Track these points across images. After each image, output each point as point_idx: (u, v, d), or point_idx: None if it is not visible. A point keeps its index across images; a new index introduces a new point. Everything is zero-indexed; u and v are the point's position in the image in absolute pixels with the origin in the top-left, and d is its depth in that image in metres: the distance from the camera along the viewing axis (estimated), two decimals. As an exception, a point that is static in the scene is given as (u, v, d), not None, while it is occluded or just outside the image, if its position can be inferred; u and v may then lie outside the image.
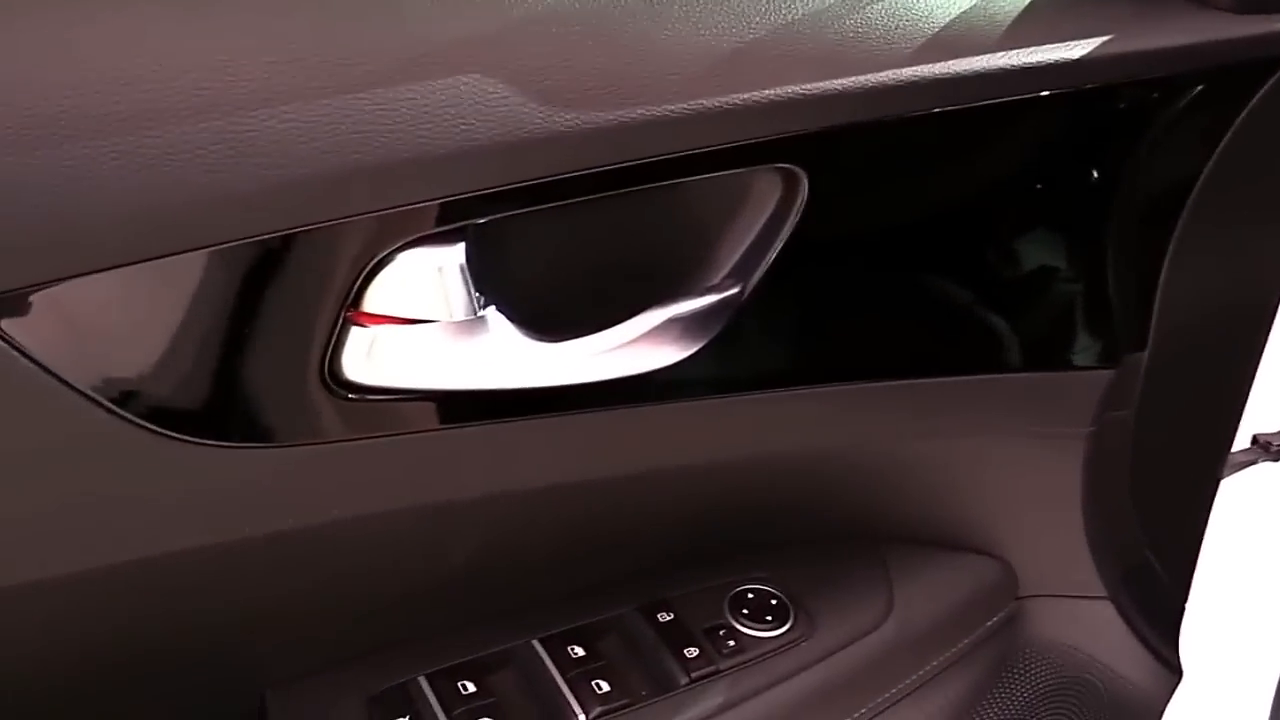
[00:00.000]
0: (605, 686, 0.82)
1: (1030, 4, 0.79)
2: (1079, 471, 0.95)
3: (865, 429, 0.88)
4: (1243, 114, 0.84)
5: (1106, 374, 0.90)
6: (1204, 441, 1.00)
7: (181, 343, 0.62)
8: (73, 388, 0.59)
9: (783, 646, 0.88)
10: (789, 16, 0.72)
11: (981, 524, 0.98)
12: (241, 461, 0.65)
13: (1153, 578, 1.03)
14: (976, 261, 0.85)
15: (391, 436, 0.69)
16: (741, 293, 0.75)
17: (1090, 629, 1.03)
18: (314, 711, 0.79)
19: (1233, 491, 1.12)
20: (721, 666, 0.85)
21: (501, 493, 0.76)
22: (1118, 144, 0.83)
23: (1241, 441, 1.12)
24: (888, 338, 0.85)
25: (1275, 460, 1.09)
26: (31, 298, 0.57)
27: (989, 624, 0.99)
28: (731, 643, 0.87)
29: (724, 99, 0.68)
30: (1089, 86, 0.79)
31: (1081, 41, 0.77)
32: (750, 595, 0.91)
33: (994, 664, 0.99)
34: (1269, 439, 1.07)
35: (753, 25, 0.71)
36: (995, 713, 0.99)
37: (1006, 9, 0.78)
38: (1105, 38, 0.78)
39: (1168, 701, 1.06)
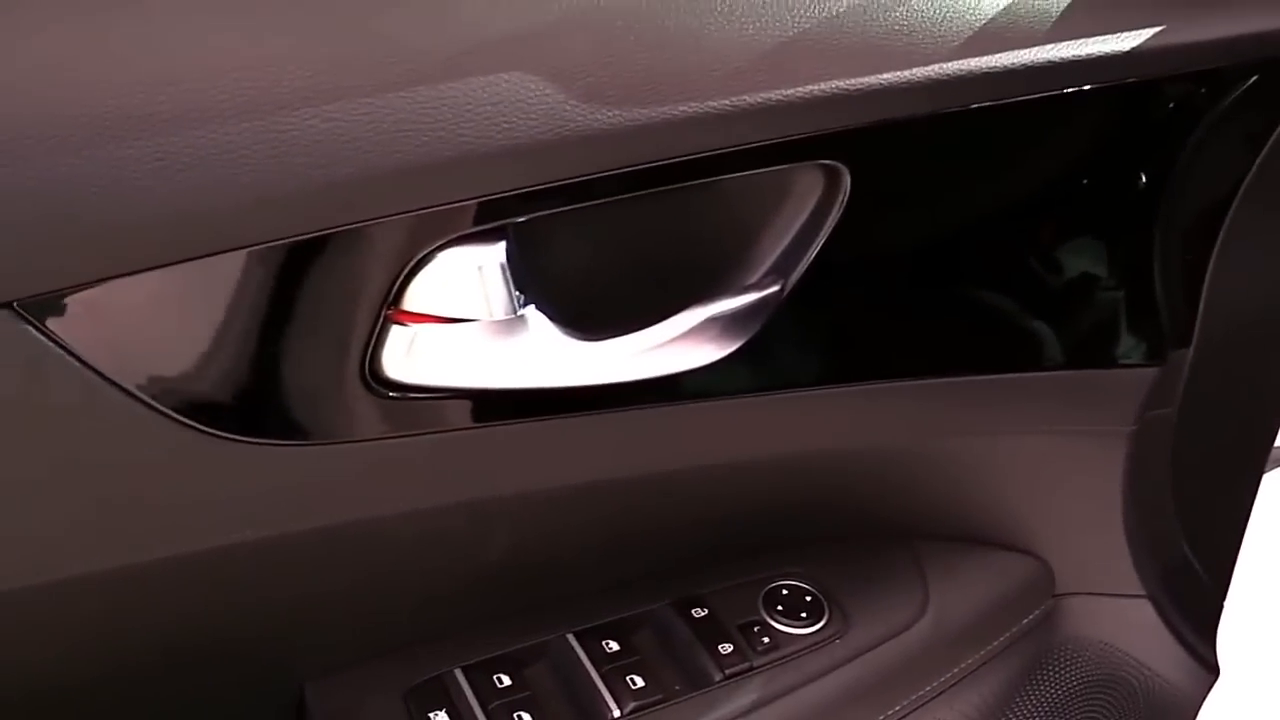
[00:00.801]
0: (639, 681, 0.82)
1: None
2: (1120, 469, 0.93)
3: (904, 427, 0.87)
4: None
5: (1151, 372, 0.89)
6: (1246, 438, 0.98)
7: (225, 341, 0.62)
8: (119, 386, 0.59)
9: (817, 644, 0.87)
10: (833, 10, 0.71)
11: (1018, 521, 0.97)
12: (283, 459, 0.65)
13: (1192, 576, 1.02)
14: (1019, 258, 0.84)
15: (431, 434, 0.69)
16: (782, 291, 0.75)
17: (1127, 627, 1.02)
18: (352, 704, 0.79)
19: (1274, 487, 1.10)
20: (756, 663, 0.85)
21: (539, 489, 0.76)
22: (1167, 138, 0.82)
23: None
24: (928, 335, 0.84)
25: None
26: (78, 297, 0.57)
27: (1025, 622, 0.98)
28: (766, 639, 0.87)
29: (766, 95, 0.67)
30: (1140, 79, 0.78)
31: (1133, 33, 0.76)
32: (785, 592, 0.90)
33: (1029, 662, 0.98)
34: None
35: (796, 19, 0.70)
36: (1030, 710, 0.98)
37: (1050, 1, 0.77)
38: (1158, 28, 0.77)
39: (1203, 700, 1.05)
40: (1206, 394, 0.92)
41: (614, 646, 0.84)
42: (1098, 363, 0.88)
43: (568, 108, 0.63)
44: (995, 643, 0.96)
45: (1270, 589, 1.09)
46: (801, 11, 0.70)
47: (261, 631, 0.75)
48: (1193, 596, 1.03)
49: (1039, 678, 1.00)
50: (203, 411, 0.62)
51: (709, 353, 0.74)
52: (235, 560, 0.68)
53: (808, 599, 0.90)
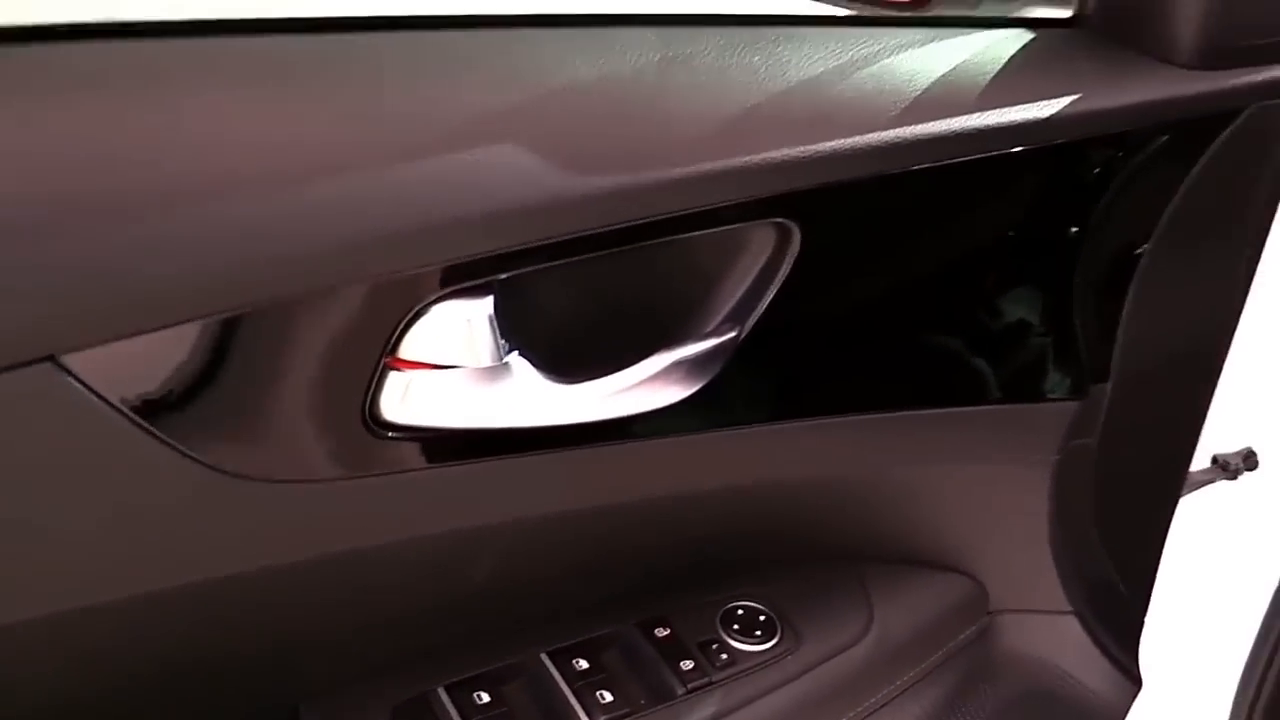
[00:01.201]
0: (608, 696, 0.89)
1: (1004, 67, 0.86)
2: (1046, 494, 1.02)
3: (851, 458, 0.95)
4: (1200, 163, 0.91)
5: (1073, 405, 0.97)
6: (1163, 464, 1.06)
7: (242, 389, 0.68)
8: (149, 431, 0.65)
9: (770, 659, 0.94)
10: (783, 83, 0.79)
11: (956, 544, 1.05)
12: (293, 495, 0.71)
13: (1115, 593, 1.10)
14: (954, 304, 0.92)
15: (424, 470, 0.75)
16: (738, 336, 0.82)
17: (1056, 642, 1.09)
18: None
19: (1193, 508, 1.17)
20: (715, 678, 0.92)
21: (521, 519, 0.82)
22: (1086, 194, 0.90)
23: (1202, 461, 1.17)
24: (872, 374, 0.92)
25: (1232, 479, 1.15)
26: (112, 349, 0.63)
27: (961, 638, 1.06)
28: (724, 656, 0.93)
29: (724, 162, 0.75)
30: (1059, 142, 0.86)
31: (1051, 101, 0.84)
32: (740, 612, 0.97)
33: (966, 676, 1.06)
34: (1227, 459, 1.13)
35: (749, 93, 0.78)
36: None
37: (983, 71, 0.85)
38: (1074, 96, 0.85)
39: (1128, 710, 1.13)
40: (1124, 424, 1.00)
41: (584, 664, 0.91)
42: (1026, 398, 0.96)
43: (549, 175, 0.70)
44: (934, 657, 1.03)
45: (1187, 604, 1.16)
46: (754, 86, 0.78)
47: (263, 654, 0.81)
48: (1116, 612, 1.11)
49: (976, 690, 1.07)
50: (222, 454, 0.68)
51: (673, 393, 0.81)
52: (245, 588, 0.74)
53: (762, 618, 0.97)
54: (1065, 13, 0.92)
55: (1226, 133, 0.89)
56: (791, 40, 0.82)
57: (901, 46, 0.85)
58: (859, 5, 0.94)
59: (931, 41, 0.86)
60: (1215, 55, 0.86)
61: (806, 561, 1.02)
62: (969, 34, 0.88)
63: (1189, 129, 0.89)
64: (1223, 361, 1.03)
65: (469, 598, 0.88)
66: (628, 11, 0.80)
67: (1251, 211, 0.95)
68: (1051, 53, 0.88)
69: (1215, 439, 1.14)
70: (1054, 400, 0.97)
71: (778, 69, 0.79)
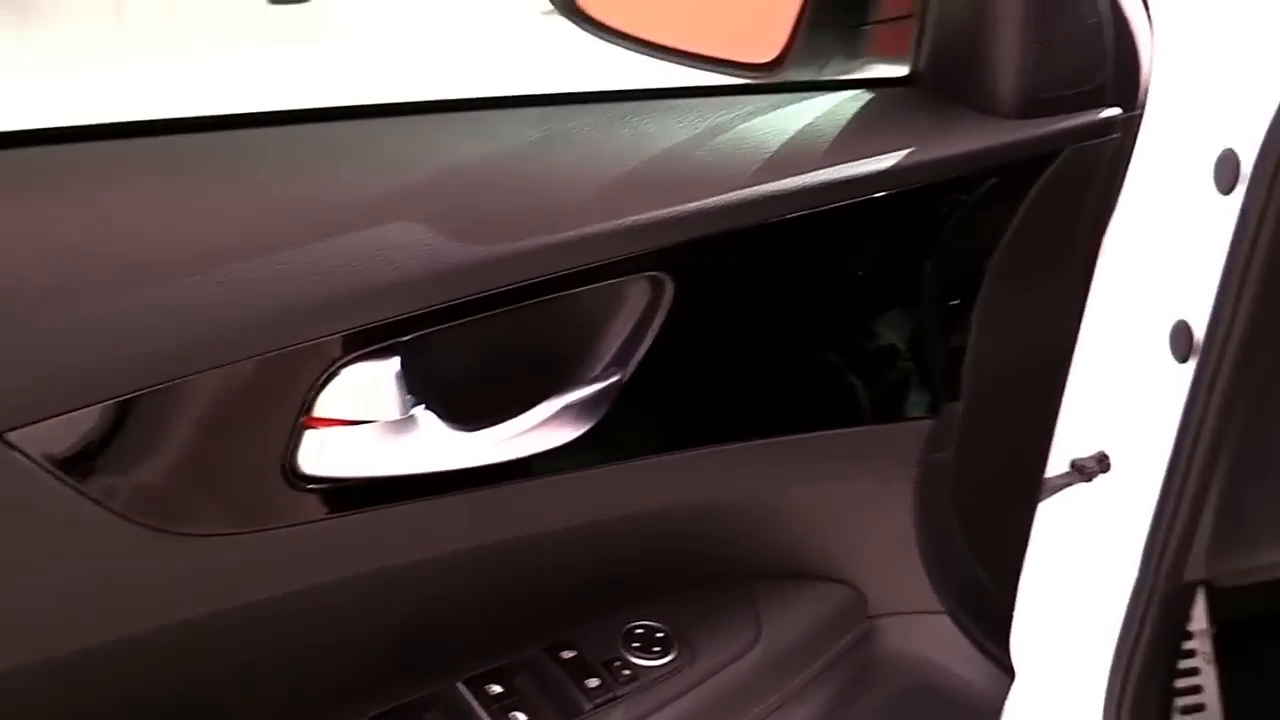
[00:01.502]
0: (521, 717, 0.96)
1: (847, 125, 0.96)
2: (911, 506, 1.11)
3: (734, 483, 1.04)
4: (1027, 199, 1.02)
5: (929, 423, 1.07)
6: (1018, 472, 1.17)
7: (172, 453, 0.75)
8: (89, 497, 0.72)
9: (669, 673, 1.03)
10: (650, 151, 0.89)
11: (835, 557, 1.14)
12: (219, 548, 0.78)
13: (983, 592, 1.20)
14: (818, 337, 1.02)
15: (342, 517, 0.83)
16: (622, 379, 0.91)
17: (932, 640, 1.19)
18: None
19: (1056, 509, 1.26)
20: (618, 693, 1.00)
21: (434, 557, 0.90)
22: (928, 234, 1.01)
23: (1063, 465, 1.26)
24: (749, 405, 1.01)
25: (1088, 481, 1.24)
26: (54, 423, 0.70)
27: (845, 642, 1.15)
28: (626, 672, 1.02)
29: (600, 225, 0.84)
30: (900, 189, 0.96)
31: (890, 153, 0.95)
32: (640, 631, 1.06)
33: (853, 676, 1.15)
34: (1084, 463, 1.22)
35: (621, 161, 0.87)
36: (857, 719, 1.14)
37: (829, 130, 0.95)
38: (910, 148, 0.95)
39: (1004, 699, 1.22)
40: (978, 438, 1.10)
41: (498, 689, 0.98)
42: (887, 419, 1.07)
43: (445, 245, 0.79)
44: (821, 661, 1.13)
45: (1052, 600, 1.25)
46: (625, 156, 0.88)
47: (193, 699, 0.87)
48: (986, 610, 1.20)
49: (863, 689, 1.16)
50: (154, 512, 0.75)
51: (565, 434, 0.90)
52: (179, 637, 0.80)
53: (660, 636, 1.05)
54: (901, 72, 1.03)
55: (1048, 173, 1.00)
56: (656, 112, 0.92)
57: (755, 111, 0.95)
58: (717, 70, 1.03)
59: (782, 105, 0.96)
60: (1031, 105, 0.98)
61: (701, 581, 1.10)
62: (815, 96, 0.98)
63: (1014, 171, 1.00)
64: (1065, 376, 1.14)
65: (388, 635, 0.95)
66: (508, 94, 0.89)
67: (1078, 240, 1.06)
68: (889, 110, 0.99)
69: (1072, 445, 1.23)
70: (912, 419, 1.07)
71: (645, 139, 0.89)
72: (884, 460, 1.09)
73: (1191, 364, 1.02)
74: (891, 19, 1.06)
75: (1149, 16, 1.04)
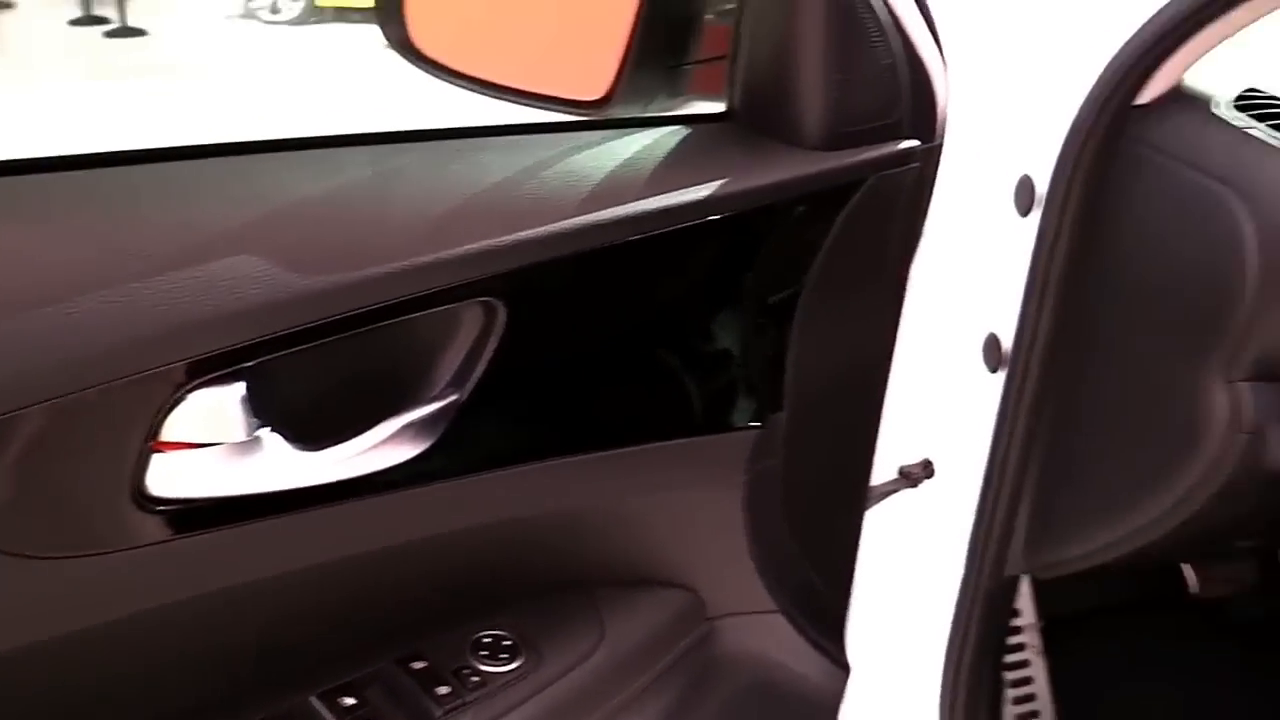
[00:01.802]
0: None
1: (667, 158, 1.03)
2: (742, 511, 1.19)
3: (573, 494, 1.10)
4: (836, 224, 1.10)
5: (753, 433, 1.15)
6: (844, 477, 1.24)
7: (21, 477, 0.78)
8: None
9: (516, 679, 1.09)
10: (482, 185, 0.95)
11: (674, 562, 1.21)
12: (72, 570, 0.82)
13: (816, 592, 1.27)
14: (648, 355, 1.09)
15: (192, 537, 0.87)
16: (460, 398, 0.97)
17: (769, 639, 1.26)
18: None
19: (888, 513, 1.33)
20: (468, 699, 1.06)
21: (282, 573, 0.94)
22: (746, 258, 1.09)
23: (891, 473, 1.33)
24: (586, 421, 1.08)
25: (915, 487, 1.32)
26: None
27: (684, 644, 1.22)
28: (475, 679, 1.07)
29: (433, 255, 0.90)
30: (717, 217, 1.04)
31: (707, 184, 1.02)
32: (488, 640, 1.11)
33: (694, 676, 1.22)
34: (910, 470, 1.30)
35: (454, 195, 0.93)
36: (703, 716, 1.20)
37: (650, 163, 1.02)
38: (725, 179, 1.03)
39: (841, 693, 1.29)
40: (803, 446, 1.18)
41: (350, 701, 1.03)
42: (715, 429, 1.14)
43: (284, 277, 0.84)
44: (663, 662, 1.19)
45: (886, 598, 1.32)
46: (458, 190, 0.94)
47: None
48: (819, 609, 1.28)
49: (706, 688, 1.22)
50: (6, 537, 0.78)
51: (405, 452, 0.95)
52: (28, 658, 0.83)
53: (507, 643, 1.11)
54: (718, 109, 1.11)
55: (854, 200, 1.09)
56: (489, 147, 0.98)
57: (583, 146, 1.02)
58: (549, 107, 1.10)
59: (608, 140, 1.04)
60: (835, 138, 1.06)
61: (547, 589, 1.16)
62: (639, 132, 1.06)
63: (823, 198, 1.09)
64: (884, 388, 1.21)
65: (242, 651, 0.98)
66: (345, 133, 0.94)
67: (887, 261, 1.15)
68: (706, 144, 1.07)
69: (900, 453, 1.29)
70: (739, 429, 1.14)
71: (477, 173, 0.95)
72: (715, 469, 1.16)
73: (1002, 374, 1.09)
74: (709, 59, 1.14)
75: (942, 57, 1.13)
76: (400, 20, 1.09)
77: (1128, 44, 0.98)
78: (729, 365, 1.13)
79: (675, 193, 1.01)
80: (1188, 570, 1.35)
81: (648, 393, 1.10)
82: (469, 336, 0.97)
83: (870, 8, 1.05)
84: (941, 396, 1.19)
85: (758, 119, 1.09)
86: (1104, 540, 1.11)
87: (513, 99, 1.10)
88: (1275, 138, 0.99)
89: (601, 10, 1.10)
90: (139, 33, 8.50)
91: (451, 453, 0.98)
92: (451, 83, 1.10)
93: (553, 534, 1.13)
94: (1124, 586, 1.52)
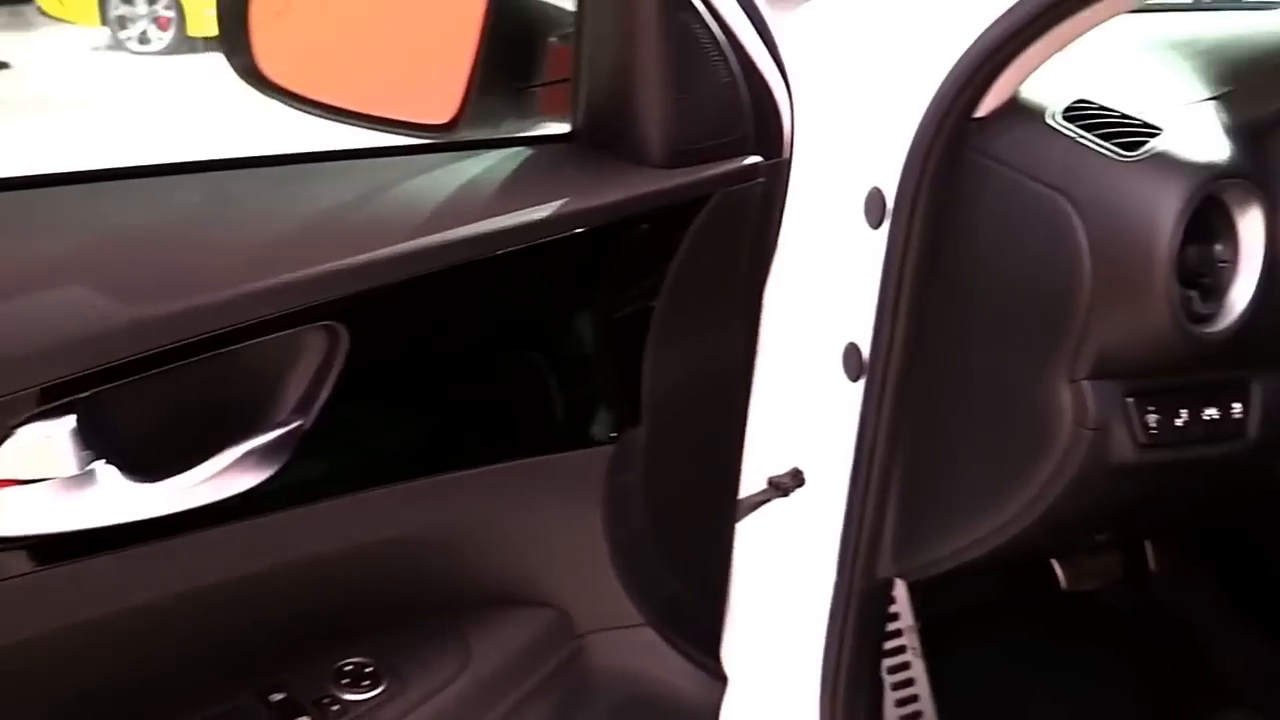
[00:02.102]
0: None
1: (513, 179, 1.04)
2: (603, 527, 1.19)
3: (431, 516, 1.10)
4: (685, 239, 1.12)
5: (610, 449, 1.15)
6: (709, 489, 1.25)
7: None
8: None
9: (377, 704, 1.08)
10: (321, 210, 0.94)
11: (538, 580, 1.21)
12: None
13: (687, 605, 1.28)
14: (499, 374, 1.09)
15: (27, 576, 0.85)
16: (305, 424, 0.95)
17: (640, 653, 1.26)
18: None
19: (761, 523, 1.33)
20: None
21: (126, 609, 0.92)
22: (596, 275, 1.10)
23: (761, 483, 1.34)
24: (439, 442, 1.07)
25: (786, 496, 1.33)
26: None
27: (553, 663, 1.21)
28: (335, 708, 1.06)
29: (267, 281, 0.89)
30: (563, 235, 1.04)
31: (551, 204, 1.03)
32: (349, 668, 1.10)
33: (565, 694, 1.21)
34: (780, 480, 1.31)
35: (291, 220, 0.93)
36: None
37: (493, 185, 1.03)
38: (569, 198, 1.04)
39: (719, 704, 1.29)
40: (665, 460, 1.18)
41: None
42: (571, 446, 1.14)
43: (112, 307, 0.82)
44: (530, 683, 1.18)
45: (764, 607, 1.33)
46: (295, 215, 0.93)
47: None
48: (691, 621, 1.28)
49: (578, 705, 1.22)
50: None
51: (247, 480, 0.94)
52: None
53: (369, 670, 1.10)
54: (564, 129, 1.11)
55: (701, 216, 1.11)
56: (332, 173, 0.97)
57: (426, 169, 1.03)
58: (397, 131, 1.10)
59: (452, 163, 1.04)
60: (679, 156, 1.08)
61: (410, 614, 1.15)
62: (485, 154, 1.06)
63: (670, 215, 1.10)
64: (746, 399, 1.23)
65: (90, 691, 0.96)
66: (176, 160, 0.93)
67: (739, 274, 1.16)
68: (551, 164, 1.08)
69: (770, 464, 1.30)
70: (595, 446, 1.14)
71: (318, 198, 0.95)
72: (573, 484, 1.16)
73: (863, 382, 1.12)
74: (554, 81, 1.14)
75: (784, 74, 1.16)
76: (246, 48, 1.09)
77: (961, 59, 1.02)
78: (583, 382, 1.13)
79: (517, 213, 1.01)
80: (1058, 566, 1.38)
81: (501, 412, 1.10)
82: (312, 361, 0.96)
83: (706, 26, 1.07)
84: (807, 406, 1.22)
85: (601, 139, 1.10)
86: (968, 539, 1.16)
87: (362, 124, 1.10)
88: (1104, 147, 1.03)
89: (447, 34, 1.11)
90: (2, 65, 8.30)
91: (298, 479, 0.97)
92: (300, 109, 1.10)
93: (411, 557, 1.12)
94: (1000, 584, 1.55)
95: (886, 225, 1.07)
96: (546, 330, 1.10)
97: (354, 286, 0.93)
